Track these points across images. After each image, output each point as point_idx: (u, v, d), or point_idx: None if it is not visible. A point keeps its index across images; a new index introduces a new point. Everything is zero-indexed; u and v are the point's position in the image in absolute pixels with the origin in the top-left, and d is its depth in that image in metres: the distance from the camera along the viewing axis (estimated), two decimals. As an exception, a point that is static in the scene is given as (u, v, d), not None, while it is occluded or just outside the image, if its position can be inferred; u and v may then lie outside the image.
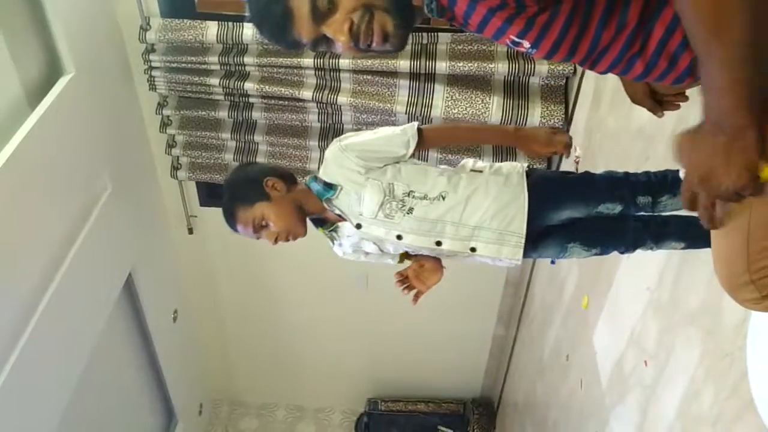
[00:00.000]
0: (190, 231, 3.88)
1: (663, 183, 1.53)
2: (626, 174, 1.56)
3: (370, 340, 4.55)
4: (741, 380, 1.45)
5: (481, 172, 1.49)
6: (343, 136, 1.54)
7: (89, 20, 2.81)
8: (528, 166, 1.54)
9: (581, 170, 2.69)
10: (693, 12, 0.79)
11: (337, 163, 1.49)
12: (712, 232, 0.93)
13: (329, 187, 1.51)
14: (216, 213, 4.19)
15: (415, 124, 1.50)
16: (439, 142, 1.51)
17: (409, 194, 1.47)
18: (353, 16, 0.97)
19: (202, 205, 3.82)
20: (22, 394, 2.39)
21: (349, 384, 4.87)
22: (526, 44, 0.95)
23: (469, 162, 1.53)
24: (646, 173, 1.55)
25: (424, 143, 1.50)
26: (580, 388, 2.70)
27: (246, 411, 5.07)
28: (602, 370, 2.41)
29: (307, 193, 1.54)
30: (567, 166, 2.94)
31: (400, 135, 1.49)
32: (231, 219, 1.56)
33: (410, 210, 1.47)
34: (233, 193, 1.56)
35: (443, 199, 1.46)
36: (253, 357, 4.79)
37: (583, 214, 1.52)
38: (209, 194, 3.80)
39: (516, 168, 1.51)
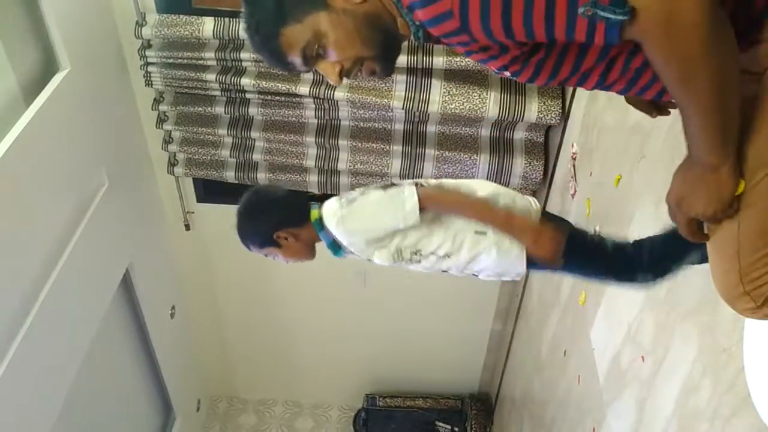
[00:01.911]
0: (187, 227, 3.87)
1: (664, 260, 1.51)
2: (631, 254, 1.51)
3: (368, 337, 4.55)
4: (738, 375, 1.45)
5: (485, 234, 1.49)
6: (342, 212, 1.48)
7: (85, 16, 2.79)
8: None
9: (579, 168, 2.70)
10: (662, 63, 0.85)
11: (344, 239, 1.50)
12: (708, 249, 1.01)
13: (338, 246, 1.53)
14: (213, 209, 4.18)
15: (414, 194, 1.42)
16: (437, 211, 1.49)
17: (416, 252, 1.51)
18: (344, 63, 1.03)
19: (199, 201, 3.81)
20: (20, 389, 2.38)
21: (347, 380, 4.88)
22: (507, 74, 1.01)
23: (472, 225, 1.50)
24: (650, 251, 1.51)
25: (422, 212, 1.45)
26: (577, 384, 2.70)
27: (244, 407, 5.08)
28: (600, 365, 2.41)
29: (314, 231, 1.54)
30: (560, 174, 2.94)
31: (401, 209, 1.43)
32: (244, 245, 1.62)
33: (419, 261, 1.53)
34: (245, 235, 1.58)
35: (449, 257, 1.50)
36: (251, 353, 4.79)
37: None
38: (206, 190, 3.79)
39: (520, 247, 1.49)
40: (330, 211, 1.51)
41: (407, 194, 1.43)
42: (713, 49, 0.80)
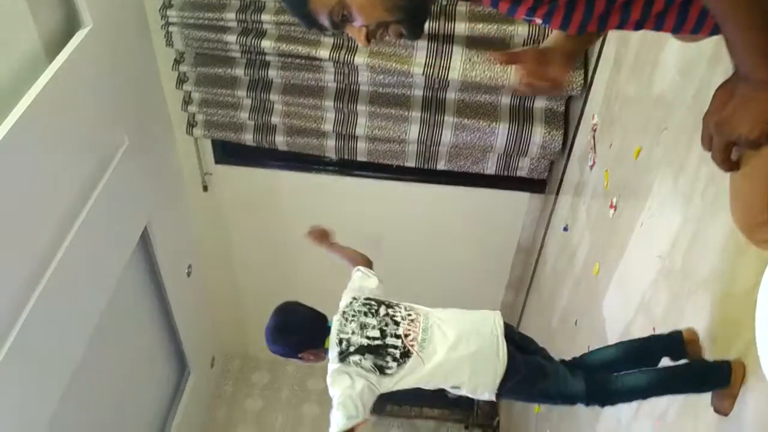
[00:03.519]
0: (205, 188, 3.90)
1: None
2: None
3: (381, 301, 4.60)
4: (748, 348, 1.47)
5: (459, 388, 1.79)
6: (330, 375, 1.76)
7: (107, -28, 2.79)
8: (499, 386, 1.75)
9: (599, 139, 2.68)
10: None
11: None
12: (733, 177, 0.96)
13: None
14: (231, 171, 4.21)
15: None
16: None
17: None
18: (369, 26, 1.04)
19: (217, 162, 3.84)
20: (38, 343, 2.44)
21: (358, 343, 4.94)
22: (538, 20, 0.99)
23: (450, 382, 1.80)
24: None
25: None
26: (587, 353, 2.73)
27: (257, 365, 5.17)
28: (610, 335, 2.43)
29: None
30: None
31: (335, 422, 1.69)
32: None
33: None
34: (274, 350, 1.90)
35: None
36: (266, 313, 4.81)
37: None
38: (224, 152, 3.81)
39: (491, 383, 1.76)
40: (331, 355, 1.78)
41: (334, 424, 1.68)
42: None
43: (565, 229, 3.18)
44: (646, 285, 2.12)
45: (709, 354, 1.66)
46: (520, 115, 3.23)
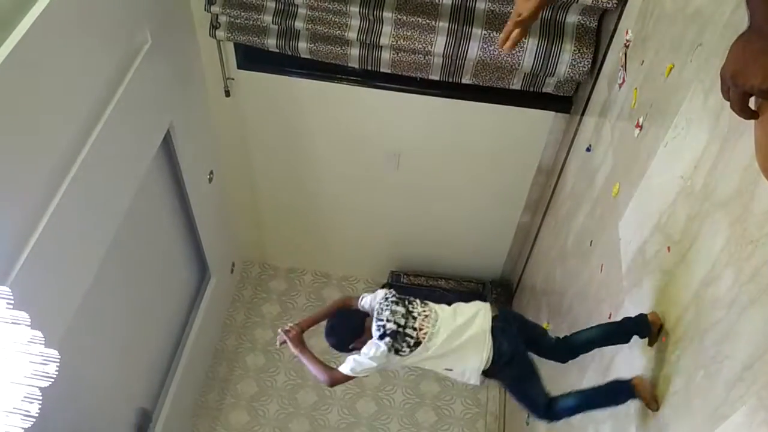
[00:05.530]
0: (227, 94, 3.88)
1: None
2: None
3: (397, 216, 4.64)
4: (762, 266, 1.48)
5: (451, 370, 2.22)
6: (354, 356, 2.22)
7: None
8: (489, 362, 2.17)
9: (630, 57, 2.60)
10: None
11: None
12: (755, 127, 0.99)
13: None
14: (253, 77, 4.17)
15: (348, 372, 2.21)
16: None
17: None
18: None
19: (239, 68, 3.79)
20: (61, 243, 2.47)
21: (374, 256, 5.03)
22: None
23: (441, 367, 2.23)
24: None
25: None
26: (599, 272, 2.76)
27: (275, 273, 5.31)
28: (624, 255, 2.45)
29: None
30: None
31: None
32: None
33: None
34: (333, 345, 2.30)
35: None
36: (284, 222, 4.94)
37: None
38: (246, 58, 3.76)
39: (476, 369, 2.18)
40: (374, 333, 2.22)
41: (345, 364, 2.24)
42: None
43: (588, 149, 3.14)
44: (664, 206, 2.11)
45: (726, 269, 1.67)
46: (551, 30, 3.12)
